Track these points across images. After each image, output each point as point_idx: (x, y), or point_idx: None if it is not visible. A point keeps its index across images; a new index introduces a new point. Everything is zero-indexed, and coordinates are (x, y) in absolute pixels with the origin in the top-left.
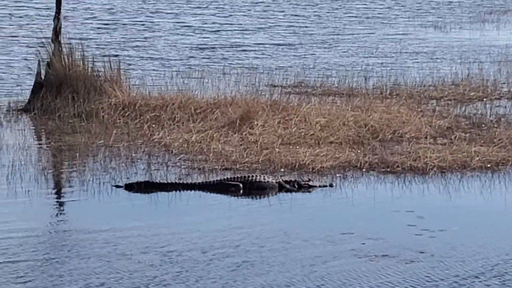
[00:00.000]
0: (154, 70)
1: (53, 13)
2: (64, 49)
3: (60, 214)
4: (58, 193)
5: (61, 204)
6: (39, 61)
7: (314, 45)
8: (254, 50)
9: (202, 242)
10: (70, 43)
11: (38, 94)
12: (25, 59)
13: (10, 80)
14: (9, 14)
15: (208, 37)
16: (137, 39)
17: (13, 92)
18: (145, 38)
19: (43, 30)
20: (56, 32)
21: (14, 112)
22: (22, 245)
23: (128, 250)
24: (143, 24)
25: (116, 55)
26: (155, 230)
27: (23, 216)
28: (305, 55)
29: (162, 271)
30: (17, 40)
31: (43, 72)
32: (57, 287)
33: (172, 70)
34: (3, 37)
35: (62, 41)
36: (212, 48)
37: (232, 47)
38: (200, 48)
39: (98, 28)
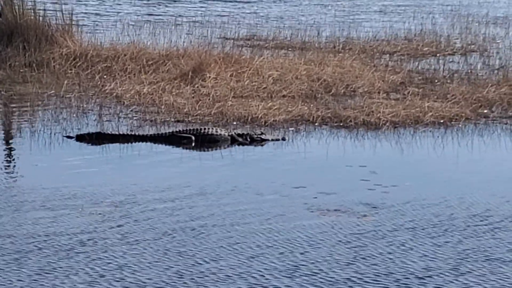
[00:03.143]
0: (97, 22)
1: None
2: None
3: (9, 164)
4: (8, 143)
5: (10, 154)
6: None
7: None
8: (201, 6)
9: (151, 194)
10: None
11: None
12: None
13: None
14: None
15: None
16: None
17: None
18: None
19: None
20: None
21: None
22: None
23: (79, 202)
24: None
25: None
26: (107, 181)
27: None
28: (256, 9)
29: (112, 223)
30: None
31: None
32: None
33: (118, 22)
34: None
35: None
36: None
37: (172, 2)
38: (141, 5)
39: None
